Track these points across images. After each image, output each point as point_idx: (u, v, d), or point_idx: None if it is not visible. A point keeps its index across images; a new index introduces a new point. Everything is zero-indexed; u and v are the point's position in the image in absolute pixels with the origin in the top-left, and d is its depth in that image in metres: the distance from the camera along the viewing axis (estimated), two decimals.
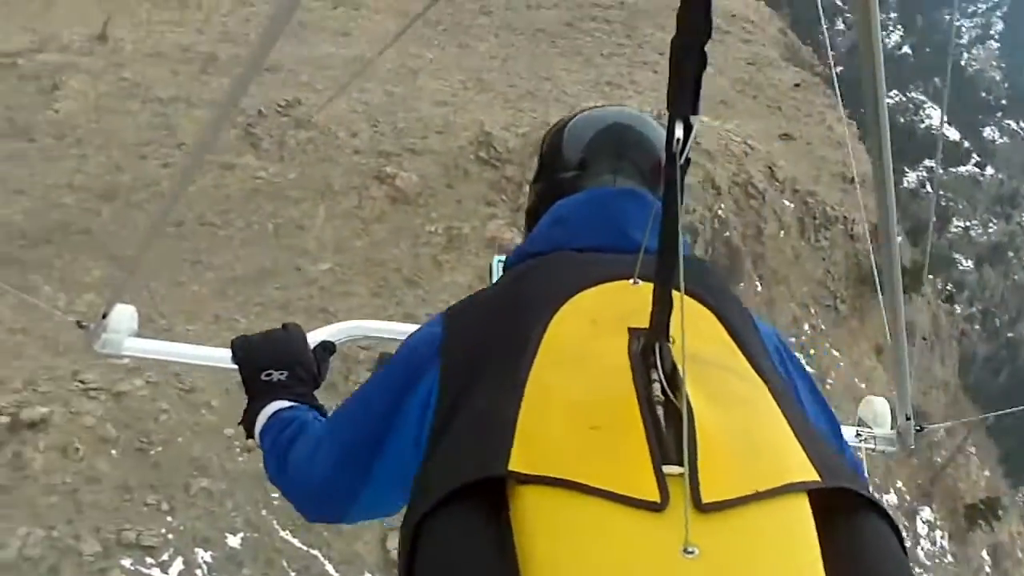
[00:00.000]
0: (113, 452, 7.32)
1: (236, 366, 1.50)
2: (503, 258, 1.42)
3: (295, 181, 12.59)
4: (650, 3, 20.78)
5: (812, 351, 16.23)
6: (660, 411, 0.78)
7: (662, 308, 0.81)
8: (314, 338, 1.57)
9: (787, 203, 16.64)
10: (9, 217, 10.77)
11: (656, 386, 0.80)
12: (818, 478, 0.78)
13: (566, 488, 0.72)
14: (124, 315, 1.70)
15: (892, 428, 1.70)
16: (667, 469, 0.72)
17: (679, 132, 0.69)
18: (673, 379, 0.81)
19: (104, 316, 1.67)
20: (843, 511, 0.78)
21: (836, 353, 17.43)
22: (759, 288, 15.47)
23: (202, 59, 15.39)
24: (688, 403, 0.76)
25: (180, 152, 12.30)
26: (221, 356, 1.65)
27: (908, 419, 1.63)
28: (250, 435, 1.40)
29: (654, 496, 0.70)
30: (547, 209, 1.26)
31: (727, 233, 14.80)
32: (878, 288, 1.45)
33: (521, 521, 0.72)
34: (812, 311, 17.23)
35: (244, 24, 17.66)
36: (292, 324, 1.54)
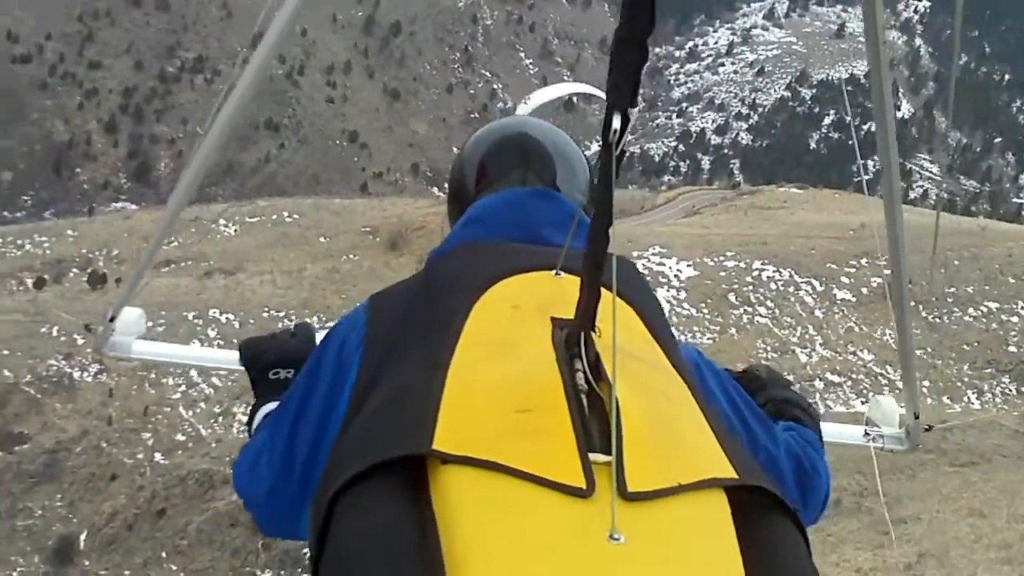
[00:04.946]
0: None
1: (244, 367, 1.52)
2: None
3: None
4: None
5: None
6: (584, 400, 0.79)
7: (590, 299, 0.81)
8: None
9: None
10: None
11: (580, 375, 0.81)
12: (735, 475, 0.79)
13: (491, 470, 0.72)
14: (132, 318, 1.73)
15: (900, 427, 1.73)
16: (593, 457, 0.73)
17: (616, 124, 0.70)
18: (596, 369, 0.82)
19: (112, 319, 1.69)
20: (756, 510, 0.79)
21: None
22: None
23: None
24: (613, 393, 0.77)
25: None
26: (230, 358, 1.67)
27: (916, 418, 1.67)
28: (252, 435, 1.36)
29: (580, 483, 0.71)
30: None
31: None
32: (886, 289, 1.49)
33: (443, 501, 0.71)
34: None
35: None
36: (302, 323, 1.53)
